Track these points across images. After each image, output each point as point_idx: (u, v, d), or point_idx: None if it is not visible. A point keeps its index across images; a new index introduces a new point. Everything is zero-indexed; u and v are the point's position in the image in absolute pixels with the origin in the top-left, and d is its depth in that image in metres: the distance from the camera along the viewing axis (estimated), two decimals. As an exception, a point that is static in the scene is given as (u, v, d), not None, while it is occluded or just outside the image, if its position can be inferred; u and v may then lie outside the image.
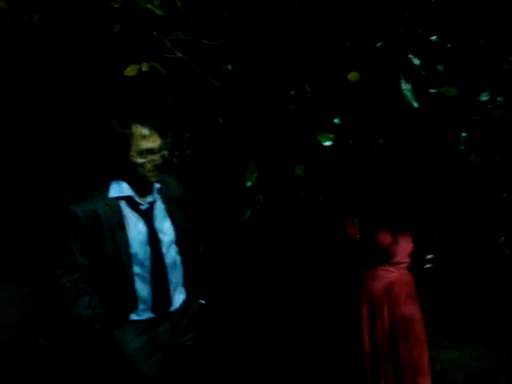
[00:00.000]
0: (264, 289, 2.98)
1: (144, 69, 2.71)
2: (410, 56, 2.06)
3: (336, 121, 2.09)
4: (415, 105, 1.99)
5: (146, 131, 1.79)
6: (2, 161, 5.29)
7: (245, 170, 2.05)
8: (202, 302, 2.09)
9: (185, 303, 2.01)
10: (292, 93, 2.57)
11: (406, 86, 2.02)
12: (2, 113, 5.28)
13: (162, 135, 1.86)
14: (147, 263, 1.86)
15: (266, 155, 2.26)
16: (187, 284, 2.02)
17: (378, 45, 2.18)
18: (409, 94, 2.01)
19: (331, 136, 2.03)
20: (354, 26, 2.33)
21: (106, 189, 1.85)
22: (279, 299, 2.89)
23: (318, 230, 2.25)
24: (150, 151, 1.80)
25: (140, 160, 1.79)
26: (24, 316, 4.28)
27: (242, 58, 2.83)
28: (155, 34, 2.69)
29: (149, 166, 1.80)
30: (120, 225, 1.81)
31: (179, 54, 2.55)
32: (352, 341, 2.06)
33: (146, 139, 1.79)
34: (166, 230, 1.91)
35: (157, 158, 1.82)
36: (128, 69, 2.72)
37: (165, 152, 1.95)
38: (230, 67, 2.89)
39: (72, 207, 1.80)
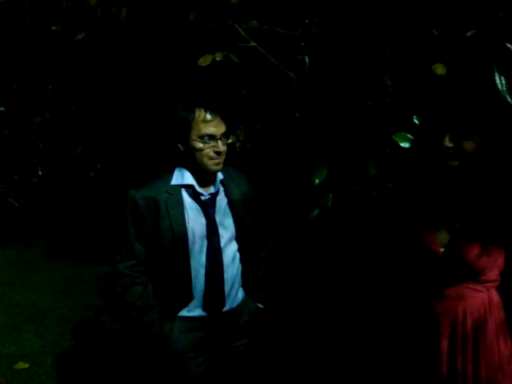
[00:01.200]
0: (328, 295, 2.84)
1: (218, 58, 2.68)
2: (509, 45, 1.82)
3: (415, 120, 1.89)
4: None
5: (208, 116, 1.73)
6: (84, 147, 5.57)
7: (314, 167, 1.94)
8: (260, 305, 1.98)
9: (241, 305, 1.91)
10: (371, 86, 2.40)
11: (501, 79, 1.79)
12: (84, 102, 5.55)
13: (228, 123, 1.78)
14: (203, 257, 1.79)
15: (337, 152, 2.13)
16: (245, 285, 1.92)
17: (470, 33, 1.96)
18: (504, 88, 1.78)
19: (410, 137, 1.84)
20: (444, 11, 2.12)
21: (170, 176, 1.81)
22: (345, 306, 2.74)
23: (391, 235, 2.07)
24: (211, 137, 1.73)
25: (200, 145, 1.73)
26: (102, 297, 4.47)
27: (319, 49, 2.70)
28: (230, 22, 2.63)
29: (209, 152, 1.73)
30: (180, 215, 1.76)
31: (253, 44, 2.47)
32: (426, 368, 1.74)
33: (208, 124, 1.73)
34: (227, 224, 1.84)
35: (219, 144, 1.74)
36: (202, 59, 2.70)
37: (230, 140, 1.85)
38: (306, 58, 2.78)
39: (132, 192, 1.78)
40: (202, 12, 2.75)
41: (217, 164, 1.76)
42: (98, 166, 5.48)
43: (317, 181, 1.91)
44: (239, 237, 1.86)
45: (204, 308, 1.82)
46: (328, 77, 2.62)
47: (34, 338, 3.71)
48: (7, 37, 5.59)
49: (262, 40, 2.67)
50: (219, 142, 1.74)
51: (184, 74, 3.65)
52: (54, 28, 5.65)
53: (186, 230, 1.75)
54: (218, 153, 1.74)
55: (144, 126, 4.88)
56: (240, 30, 2.53)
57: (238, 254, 1.87)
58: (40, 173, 5.59)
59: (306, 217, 2.06)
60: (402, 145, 1.84)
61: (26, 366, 3.33)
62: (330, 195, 2.01)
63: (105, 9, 5.92)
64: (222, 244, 1.81)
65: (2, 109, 4.98)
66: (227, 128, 1.78)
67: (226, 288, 1.83)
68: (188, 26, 3.00)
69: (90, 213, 5.64)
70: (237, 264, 1.87)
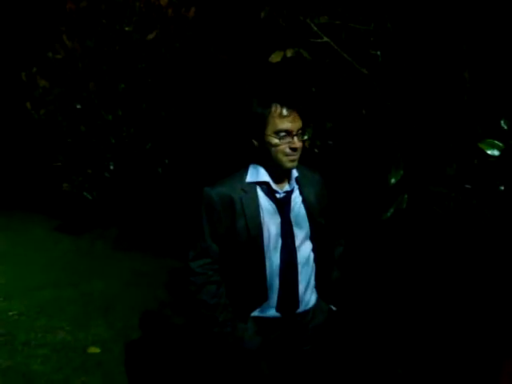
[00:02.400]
0: (402, 298, 2.73)
1: (289, 55, 2.65)
2: None
3: (503, 125, 1.74)
4: None
5: (284, 111, 1.68)
6: (153, 143, 5.73)
7: (389, 166, 1.86)
8: (333, 308, 1.92)
9: (314, 307, 1.86)
10: (448, 82, 2.28)
11: None
12: (154, 99, 5.71)
13: (304, 120, 1.74)
14: (277, 257, 1.75)
15: (413, 151, 2.03)
16: (318, 286, 1.87)
17: None
18: None
19: (499, 144, 1.69)
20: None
21: (244, 173, 1.79)
22: (420, 310, 2.62)
23: (471, 238, 1.95)
24: (287, 132, 1.69)
25: (275, 140, 1.69)
26: (167, 289, 4.59)
27: (393, 44, 2.61)
28: (301, 18, 2.60)
29: (284, 148, 1.69)
30: (255, 212, 1.73)
31: (326, 39, 2.42)
32: None
33: (284, 119, 1.68)
34: (302, 223, 1.79)
35: (295, 140, 1.69)
36: (273, 55, 2.69)
37: (305, 137, 1.81)
38: (378, 53, 2.69)
39: (207, 189, 1.76)
40: (273, 9, 2.73)
41: (292, 160, 1.71)
42: (166, 161, 5.63)
43: (393, 180, 1.84)
44: (314, 236, 1.81)
45: (278, 309, 1.78)
46: (402, 72, 2.52)
47: (104, 325, 3.87)
48: (85, 39, 5.87)
49: (333, 35, 2.62)
50: (295, 138, 1.69)
51: (252, 71, 3.65)
52: (127, 29, 5.87)
53: (261, 229, 1.72)
54: (294, 149, 1.69)
55: (212, 123, 4.95)
56: (312, 25, 2.49)
57: (312, 254, 1.83)
58: (112, 167, 5.82)
59: (380, 217, 1.98)
60: (489, 152, 1.68)
61: (98, 350, 3.49)
62: (406, 196, 1.92)
63: (175, 8, 6.08)
64: (296, 243, 1.77)
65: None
66: (303, 124, 1.73)
67: (301, 289, 1.79)
68: (258, 23, 2.99)
69: (158, 207, 5.80)
70: (311, 264, 1.83)
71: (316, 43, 2.68)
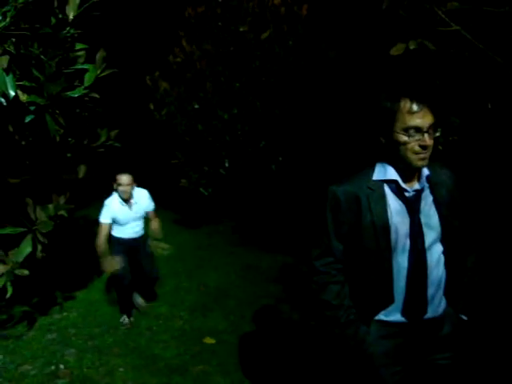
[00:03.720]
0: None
1: (412, 47, 2.52)
2: None
3: None
4: None
5: (414, 107, 1.57)
6: (267, 141, 5.82)
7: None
8: (464, 317, 1.78)
9: (443, 314, 1.74)
10: None
11: None
12: (268, 97, 5.79)
13: (437, 114, 1.62)
14: (405, 258, 1.66)
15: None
16: (449, 292, 1.75)
17: None
18: None
19: None
20: None
21: (371, 171, 1.71)
22: None
23: None
24: (417, 129, 1.58)
25: (404, 138, 1.59)
26: (279, 285, 4.64)
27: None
28: (427, 6, 2.45)
29: (413, 145, 1.59)
30: (382, 211, 1.65)
31: (455, 27, 2.25)
32: None
33: (414, 115, 1.57)
34: (432, 223, 1.67)
35: (426, 138, 1.57)
36: (394, 48, 2.57)
37: (438, 134, 1.68)
38: (514, 40, 2.45)
39: (333, 188, 1.72)
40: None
41: (422, 159, 1.61)
42: (280, 159, 5.69)
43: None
44: (445, 238, 1.69)
45: (404, 313, 1.70)
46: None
47: (219, 317, 4.02)
48: (202, 42, 6.15)
49: (463, 23, 2.43)
50: (425, 135, 1.58)
51: (370, 65, 3.54)
52: (241, 29, 6.03)
53: (389, 226, 1.65)
54: (424, 147, 1.58)
55: (326, 120, 4.89)
56: (440, 12, 2.33)
57: (442, 257, 1.71)
58: (227, 165, 6.03)
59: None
60: None
61: (213, 341, 3.63)
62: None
63: (287, 7, 6.12)
64: (426, 245, 1.66)
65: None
66: (435, 120, 1.61)
67: (429, 293, 1.68)
68: (378, 15, 2.88)
69: (271, 204, 5.89)
70: (441, 268, 1.71)
71: (441, 33, 2.51)
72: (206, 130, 6.05)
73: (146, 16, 9.02)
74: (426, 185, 1.69)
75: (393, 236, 1.66)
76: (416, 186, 1.68)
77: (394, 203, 1.68)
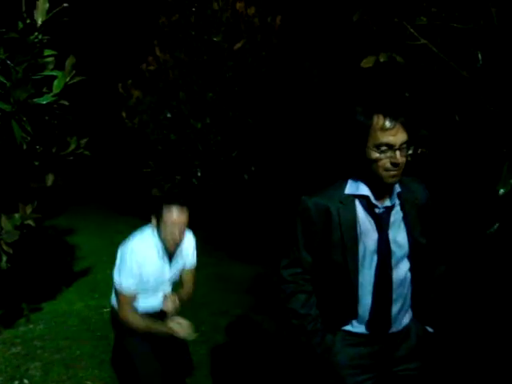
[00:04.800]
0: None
1: (382, 59, 2.57)
2: None
3: None
4: None
5: (387, 123, 1.55)
6: (239, 150, 5.83)
7: (498, 175, 1.71)
8: (430, 329, 1.79)
9: (408, 327, 1.76)
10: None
11: None
12: (241, 107, 5.82)
13: (410, 131, 1.60)
14: (371, 273, 1.67)
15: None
16: (415, 306, 1.76)
17: None
18: None
19: None
20: None
21: (343, 185, 1.71)
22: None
23: None
24: (389, 146, 1.56)
25: (375, 154, 1.57)
26: (251, 295, 4.62)
27: (497, 43, 2.43)
28: (396, 20, 2.51)
29: (385, 162, 1.57)
30: (352, 226, 1.66)
31: (424, 41, 2.30)
32: None
33: (386, 132, 1.55)
34: (400, 240, 1.68)
35: (397, 155, 1.55)
36: (365, 60, 2.62)
37: (410, 152, 1.69)
38: (479, 55, 2.53)
39: (304, 199, 1.71)
40: (365, 12, 2.66)
41: (393, 176, 1.59)
42: (252, 168, 5.69)
43: (501, 191, 1.69)
44: (412, 255, 1.70)
45: (368, 327, 1.72)
46: (507, 74, 2.34)
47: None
48: (175, 50, 6.14)
49: (431, 37, 2.50)
50: (397, 152, 1.56)
51: (341, 77, 3.59)
52: (215, 39, 6.05)
53: (356, 244, 1.65)
54: (395, 164, 1.57)
55: (299, 131, 4.93)
56: (409, 27, 2.39)
57: (409, 274, 1.72)
58: (199, 174, 6.00)
59: (485, 231, 1.84)
60: None
61: (182, 353, 3.57)
62: (515, 208, 1.77)
63: (261, 17, 6.18)
64: (393, 262, 1.67)
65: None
66: (408, 137, 1.59)
67: (394, 309, 1.69)
68: (349, 28, 2.93)
69: (244, 213, 5.88)
70: (407, 284, 1.72)
71: (410, 46, 2.57)
72: (178, 139, 6.02)
73: (119, 23, 8.96)
74: (397, 201, 1.69)
75: (360, 252, 1.66)
76: (387, 202, 1.68)
77: (363, 219, 1.68)
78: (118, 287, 2.46)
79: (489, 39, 2.45)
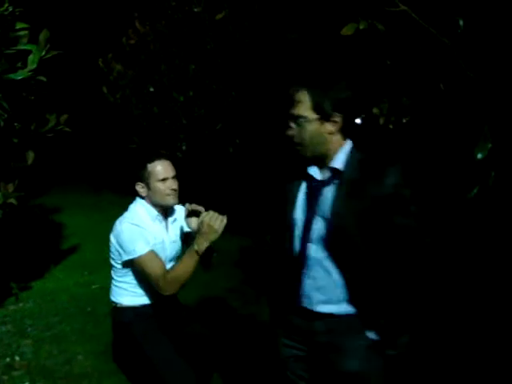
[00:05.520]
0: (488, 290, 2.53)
1: (362, 27, 2.54)
2: None
3: None
4: None
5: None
6: (224, 123, 5.78)
7: (476, 140, 1.73)
8: (372, 336, 1.60)
9: (330, 319, 1.63)
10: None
11: None
12: (224, 80, 5.74)
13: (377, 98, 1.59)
14: (297, 246, 1.66)
15: (501, 123, 1.88)
16: (359, 309, 1.60)
17: None
18: None
19: None
20: None
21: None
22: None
23: None
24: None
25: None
26: (237, 268, 4.66)
27: (478, 10, 2.42)
28: (376, -14, 2.47)
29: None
30: (293, 200, 1.67)
31: (403, 7, 2.28)
32: None
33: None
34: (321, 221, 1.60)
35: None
36: (344, 28, 2.58)
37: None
38: (461, 22, 2.51)
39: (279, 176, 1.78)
40: (346, -22, 2.62)
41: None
42: (237, 141, 5.66)
43: (479, 155, 1.71)
44: (334, 245, 1.60)
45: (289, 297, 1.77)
46: (487, 41, 2.34)
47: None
48: (156, 22, 6.00)
49: (411, 3, 2.47)
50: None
51: (323, 45, 3.55)
52: (196, 10, 5.91)
53: (293, 218, 1.67)
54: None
55: (284, 103, 4.88)
56: (388, -7, 2.35)
57: (329, 262, 1.62)
58: (184, 148, 5.95)
59: (464, 196, 1.86)
60: None
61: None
62: (493, 173, 1.78)
63: (209, 14, 6.01)
64: (312, 238, 1.62)
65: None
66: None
67: (306, 286, 1.64)
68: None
69: (229, 186, 5.88)
70: (330, 272, 1.62)
71: (390, 13, 2.54)
72: (161, 113, 5.95)
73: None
74: (334, 179, 1.61)
75: (295, 228, 1.66)
76: (322, 176, 1.63)
77: (303, 191, 1.67)
78: (136, 261, 2.17)
79: (469, 5, 2.43)
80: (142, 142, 6.23)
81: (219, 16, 5.81)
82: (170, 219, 2.38)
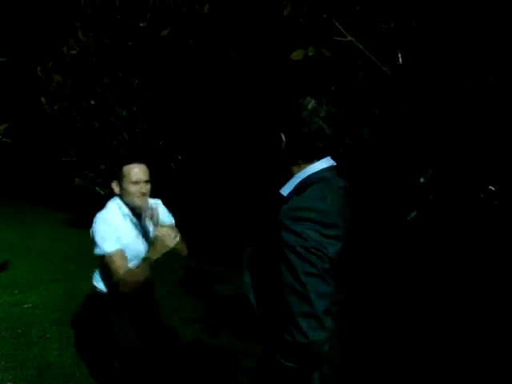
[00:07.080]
0: (422, 301, 2.70)
1: (310, 53, 2.66)
2: None
3: None
4: None
5: None
6: (166, 139, 5.74)
7: (420, 166, 1.85)
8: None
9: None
10: (473, 84, 2.27)
11: None
12: (168, 96, 5.72)
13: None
14: None
15: (443, 151, 2.02)
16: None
17: None
18: None
19: None
20: None
21: None
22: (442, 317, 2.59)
23: (495, 240, 1.94)
24: None
25: None
26: (180, 285, 4.59)
27: (415, 43, 2.60)
28: (325, 16, 2.60)
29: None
30: None
31: (350, 38, 2.41)
32: None
33: None
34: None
35: None
36: (294, 53, 2.69)
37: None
38: (398, 53, 2.69)
39: None
40: (297, 7, 2.73)
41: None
42: (179, 157, 5.63)
43: (422, 179, 1.83)
44: None
45: None
46: (424, 72, 2.52)
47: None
48: (100, 35, 5.89)
49: (357, 34, 2.62)
50: None
51: (270, 69, 3.66)
52: (141, 25, 5.87)
53: None
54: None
55: (225, 121, 4.94)
56: (337, 23, 2.49)
57: None
58: (125, 163, 5.83)
59: (405, 217, 1.97)
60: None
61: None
62: (431, 196, 1.91)
63: (189, 5, 6.08)
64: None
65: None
66: None
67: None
68: (279, 21, 2.99)
69: (171, 202, 5.81)
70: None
71: (337, 42, 2.68)
72: (102, 127, 5.81)
73: (38, 2, 8.42)
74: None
75: None
76: None
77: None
78: (104, 256, 2.26)
79: (407, 39, 2.62)
80: (80, 155, 6.04)
81: (165, 32, 5.83)
82: (143, 217, 2.41)
